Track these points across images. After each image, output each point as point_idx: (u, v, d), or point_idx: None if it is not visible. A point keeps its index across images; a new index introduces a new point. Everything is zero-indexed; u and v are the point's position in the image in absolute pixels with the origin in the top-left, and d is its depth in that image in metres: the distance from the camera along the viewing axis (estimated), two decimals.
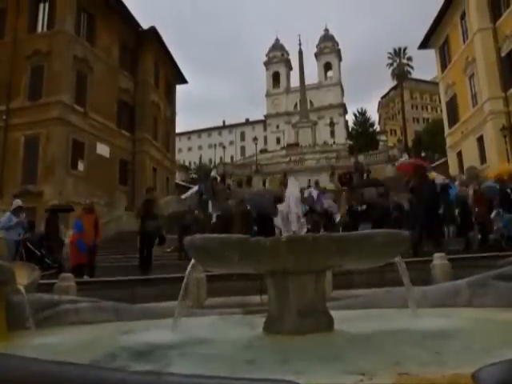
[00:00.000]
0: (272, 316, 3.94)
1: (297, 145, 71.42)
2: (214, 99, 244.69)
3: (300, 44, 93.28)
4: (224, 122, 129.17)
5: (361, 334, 3.81)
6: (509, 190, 14.11)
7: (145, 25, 38.86)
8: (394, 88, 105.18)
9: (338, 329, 3.86)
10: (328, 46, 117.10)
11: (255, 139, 64.32)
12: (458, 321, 4.17)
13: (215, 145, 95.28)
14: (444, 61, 37.92)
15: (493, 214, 14.05)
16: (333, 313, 3.99)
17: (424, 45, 39.60)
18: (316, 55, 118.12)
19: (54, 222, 17.00)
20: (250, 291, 8.23)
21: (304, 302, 3.83)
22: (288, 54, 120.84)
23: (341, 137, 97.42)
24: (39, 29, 30.23)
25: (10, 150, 27.67)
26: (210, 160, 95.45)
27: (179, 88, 47.46)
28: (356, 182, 21.87)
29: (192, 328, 4.60)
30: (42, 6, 30.20)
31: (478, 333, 3.69)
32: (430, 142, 60.88)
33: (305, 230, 4.46)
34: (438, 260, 9.29)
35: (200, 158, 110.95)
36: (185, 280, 4.23)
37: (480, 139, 31.44)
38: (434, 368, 2.46)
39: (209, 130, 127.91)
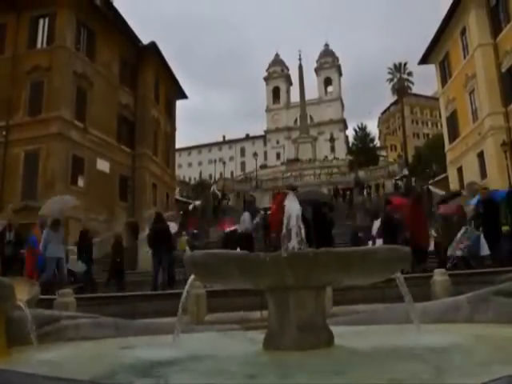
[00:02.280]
0: (272, 331, 3.92)
1: (297, 160, 71.57)
2: (215, 114, 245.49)
3: (300, 59, 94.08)
4: (224, 137, 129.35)
5: (361, 349, 3.79)
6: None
7: (145, 40, 39.18)
8: (394, 103, 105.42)
9: (338, 344, 3.85)
10: (328, 61, 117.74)
11: (255, 155, 64.45)
12: (458, 337, 4.15)
13: (215, 160, 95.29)
14: (444, 76, 37.98)
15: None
16: (333, 328, 3.97)
17: (424, 60, 39.67)
18: (316, 70, 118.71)
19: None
20: (250, 307, 8.21)
21: (304, 317, 3.82)
22: (288, 69, 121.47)
23: (341, 152, 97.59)
24: (39, 44, 30.22)
25: (10, 166, 27.61)
26: (210, 175, 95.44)
27: (179, 102, 47.71)
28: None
29: (192, 344, 4.59)
30: (41, 21, 30.16)
31: (479, 349, 3.67)
32: (431, 157, 60.87)
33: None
34: (439, 276, 9.29)
35: (200, 173, 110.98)
36: (184, 295, 4.22)
37: (480, 155, 31.42)
38: None
39: (209, 146, 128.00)
